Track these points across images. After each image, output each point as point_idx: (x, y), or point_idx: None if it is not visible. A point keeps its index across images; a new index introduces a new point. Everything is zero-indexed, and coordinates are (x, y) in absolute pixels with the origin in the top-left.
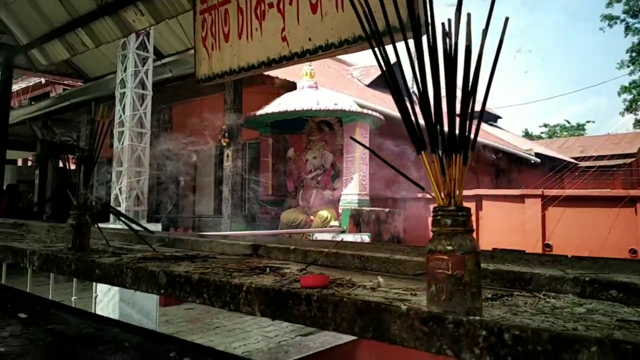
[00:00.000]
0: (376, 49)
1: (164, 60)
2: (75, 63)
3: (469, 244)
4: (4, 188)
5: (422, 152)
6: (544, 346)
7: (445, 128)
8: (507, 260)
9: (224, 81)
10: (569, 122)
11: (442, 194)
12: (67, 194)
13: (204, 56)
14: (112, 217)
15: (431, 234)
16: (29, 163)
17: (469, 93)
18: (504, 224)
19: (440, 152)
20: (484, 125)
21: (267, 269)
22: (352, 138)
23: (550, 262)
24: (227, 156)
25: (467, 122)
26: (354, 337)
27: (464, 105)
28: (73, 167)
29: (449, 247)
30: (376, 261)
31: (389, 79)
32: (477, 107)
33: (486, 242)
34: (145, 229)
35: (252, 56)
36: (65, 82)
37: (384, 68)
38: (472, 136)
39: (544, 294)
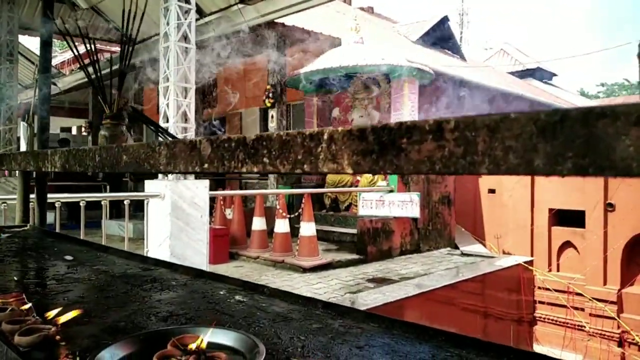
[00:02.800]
0: None
1: (206, 19)
2: (120, 27)
3: None
4: None
5: None
6: None
7: None
8: None
9: None
10: (628, 81)
11: None
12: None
13: None
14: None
15: None
16: (82, 130)
17: None
18: (562, 183)
19: None
20: (538, 83)
21: None
22: None
23: None
24: (272, 117)
25: None
26: (405, 296)
27: None
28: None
29: None
30: None
31: None
32: None
33: (543, 203)
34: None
35: None
36: (113, 48)
37: None
38: None
39: None
